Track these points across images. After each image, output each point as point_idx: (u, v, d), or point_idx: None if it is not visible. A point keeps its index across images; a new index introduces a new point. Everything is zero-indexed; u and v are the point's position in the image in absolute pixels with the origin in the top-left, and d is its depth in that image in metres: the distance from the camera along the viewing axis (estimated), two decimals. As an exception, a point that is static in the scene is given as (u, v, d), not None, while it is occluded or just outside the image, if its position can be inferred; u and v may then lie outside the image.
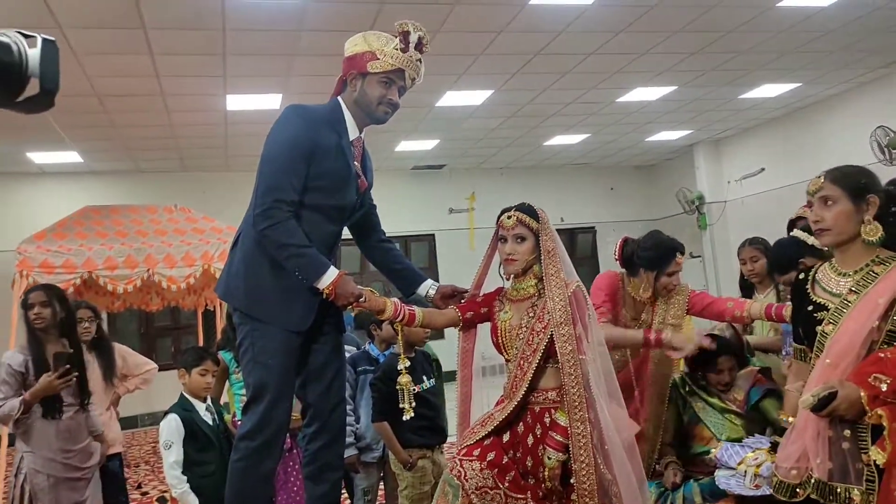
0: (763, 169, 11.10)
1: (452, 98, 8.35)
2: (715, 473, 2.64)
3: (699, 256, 11.70)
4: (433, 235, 12.17)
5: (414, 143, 10.33)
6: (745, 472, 2.50)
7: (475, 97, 8.47)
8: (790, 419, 1.98)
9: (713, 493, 2.68)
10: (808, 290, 2.02)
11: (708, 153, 12.03)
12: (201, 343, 8.54)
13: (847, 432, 1.80)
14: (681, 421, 3.08)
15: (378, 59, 2.39)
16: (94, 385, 3.81)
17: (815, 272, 2.06)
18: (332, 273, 2.28)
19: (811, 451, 1.83)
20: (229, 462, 2.34)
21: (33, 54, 1.00)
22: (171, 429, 3.23)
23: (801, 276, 2.10)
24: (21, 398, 3.25)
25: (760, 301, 3.81)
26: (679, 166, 12.70)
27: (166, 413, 3.31)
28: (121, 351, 4.13)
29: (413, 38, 2.40)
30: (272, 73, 7.04)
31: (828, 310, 1.92)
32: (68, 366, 3.26)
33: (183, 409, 3.30)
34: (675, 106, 9.59)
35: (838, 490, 1.78)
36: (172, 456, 3.20)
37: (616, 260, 3.22)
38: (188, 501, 3.19)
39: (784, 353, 2.93)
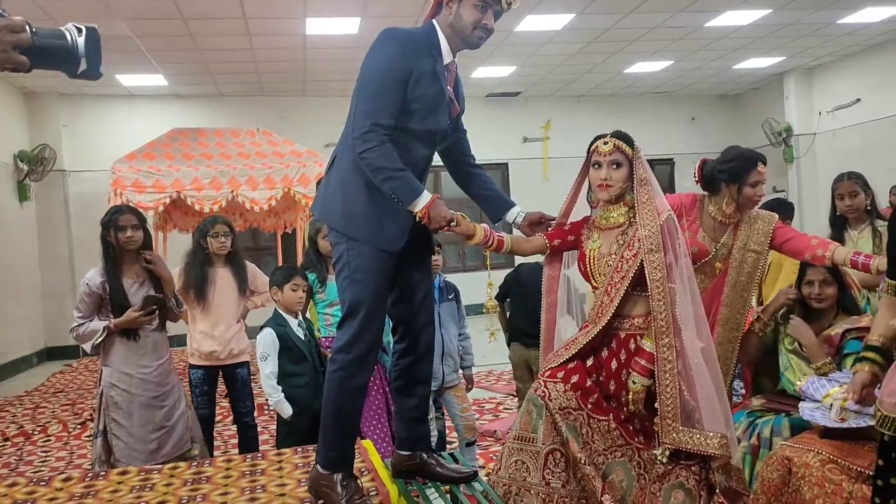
0: (858, 100, 10.51)
1: (532, 22, 8.15)
2: (799, 405, 2.64)
3: (783, 191, 11.28)
4: (507, 164, 12.10)
5: (490, 70, 10.18)
6: (831, 405, 2.49)
7: (555, 21, 8.24)
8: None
9: (802, 427, 2.68)
10: None
11: (799, 82, 11.43)
12: (280, 264, 8.85)
13: None
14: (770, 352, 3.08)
15: (475, -19, 2.36)
16: (228, 297, 4.03)
17: None
18: (425, 197, 2.33)
19: None
20: (326, 373, 2.48)
21: (81, 41, 1.33)
22: (267, 342, 3.42)
23: None
24: (105, 324, 3.33)
25: (853, 238, 3.71)
26: (767, 96, 12.14)
27: (262, 327, 3.49)
28: (251, 268, 4.24)
29: (510, -40, 2.36)
30: (352, -5, 7.02)
31: None
32: (155, 307, 3.38)
33: (277, 323, 3.48)
34: (767, 31, 9.10)
35: None
36: (268, 367, 3.39)
37: (696, 182, 3.17)
38: (283, 409, 3.40)
39: (880, 290, 2.85)
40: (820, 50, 10.31)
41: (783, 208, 3.45)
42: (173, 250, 6.98)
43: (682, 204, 3.12)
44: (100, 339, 3.35)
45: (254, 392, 4.31)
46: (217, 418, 4.90)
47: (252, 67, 9.35)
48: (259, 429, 5.41)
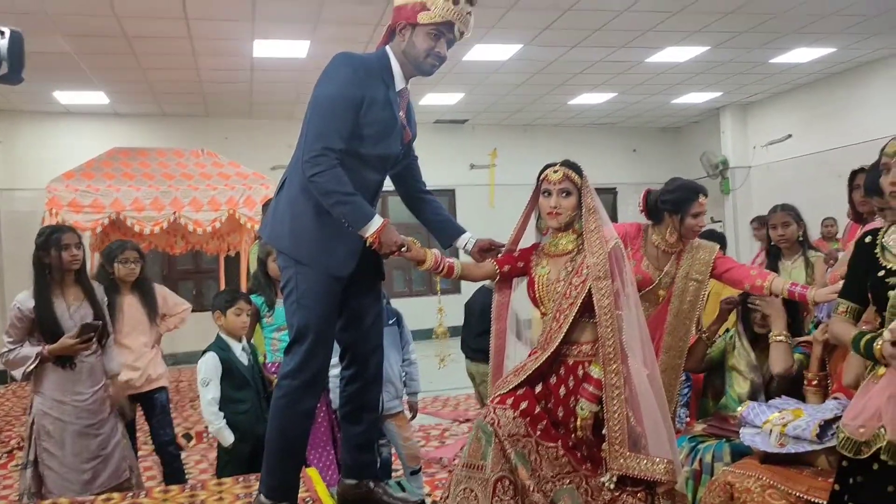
0: (790, 135, 10.97)
1: (480, 52, 8.28)
2: (740, 431, 2.70)
3: (720, 221, 11.65)
4: (454, 191, 12.18)
5: (439, 97, 10.27)
6: (771, 430, 2.55)
7: (503, 52, 8.39)
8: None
9: (743, 453, 2.74)
10: (878, 255, 2.01)
11: (735, 117, 11.89)
12: (223, 288, 8.66)
13: None
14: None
15: (429, 10, 2.38)
16: (139, 325, 3.90)
17: (883, 237, 2.05)
18: (376, 221, 2.32)
19: (884, 411, 1.85)
20: (272, 399, 2.43)
21: (3, 43, 1.29)
22: (210, 367, 3.33)
23: (868, 239, 2.08)
24: (38, 351, 3.17)
25: (787, 268, 3.85)
26: (704, 129, 12.57)
27: (204, 352, 3.40)
28: (160, 291, 4.16)
29: (465, -10, 2.39)
30: (301, 18, 7.00)
31: None
32: (92, 335, 3.24)
33: (220, 348, 3.39)
34: (704, 67, 9.45)
35: None
36: (210, 393, 3.30)
37: (641, 211, 3.25)
38: (224, 437, 3.30)
39: (817, 317, 2.97)
40: (754, 87, 10.76)
41: (715, 239, 3.56)
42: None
43: (626, 233, 3.19)
44: (32, 367, 3.18)
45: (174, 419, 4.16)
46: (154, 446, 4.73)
47: (197, 88, 9.21)
48: (198, 457, 5.27)
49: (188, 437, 5.72)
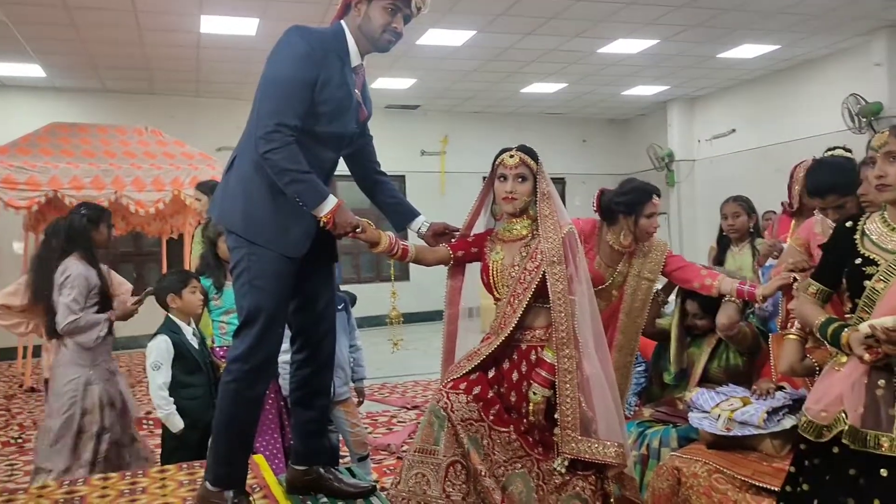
0: (734, 130, 11.25)
1: (434, 36, 8.22)
2: (689, 415, 2.75)
3: (665, 213, 11.89)
4: (404, 177, 12.10)
5: (390, 81, 10.18)
6: (719, 415, 2.61)
7: (457, 37, 8.36)
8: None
9: (689, 439, 2.79)
10: (857, 242, 2.00)
11: (681, 111, 12.13)
12: (165, 270, 8.43)
13: (882, 381, 1.85)
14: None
15: (385, -17, 2.33)
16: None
17: (864, 223, 2.02)
18: (331, 201, 2.26)
19: (846, 396, 1.87)
20: (220, 383, 2.35)
21: None
22: (161, 350, 3.21)
23: (849, 223, 2.06)
24: (105, 316, 3.46)
25: (735, 254, 3.95)
26: (652, 122, 12.78)
27: (154, 335, 3.28)
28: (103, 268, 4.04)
29: (422, -35, 2.34)
30: (251, -5, 6.82)
31: (877, 265, 1.91)
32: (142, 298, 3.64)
33: (171, 331, 3.28)
34: (654, 60, 9.60)
35: (868, 436, 1.82)
36: (161, 377, 3.18)
37: (595, 211, 3.26)
38: (174, 423, 3.19)
39: (762, 308, 3.03)
40: (701, 82, 10.98)
41: None
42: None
43: (581, 230, 3.18)
44: (104, 332, 3.43)
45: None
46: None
47: (142, 63, 8.91)
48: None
49: (128, 423, 5.55)
